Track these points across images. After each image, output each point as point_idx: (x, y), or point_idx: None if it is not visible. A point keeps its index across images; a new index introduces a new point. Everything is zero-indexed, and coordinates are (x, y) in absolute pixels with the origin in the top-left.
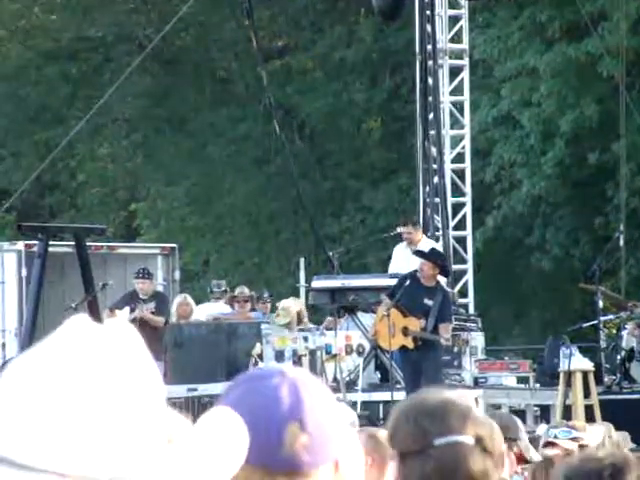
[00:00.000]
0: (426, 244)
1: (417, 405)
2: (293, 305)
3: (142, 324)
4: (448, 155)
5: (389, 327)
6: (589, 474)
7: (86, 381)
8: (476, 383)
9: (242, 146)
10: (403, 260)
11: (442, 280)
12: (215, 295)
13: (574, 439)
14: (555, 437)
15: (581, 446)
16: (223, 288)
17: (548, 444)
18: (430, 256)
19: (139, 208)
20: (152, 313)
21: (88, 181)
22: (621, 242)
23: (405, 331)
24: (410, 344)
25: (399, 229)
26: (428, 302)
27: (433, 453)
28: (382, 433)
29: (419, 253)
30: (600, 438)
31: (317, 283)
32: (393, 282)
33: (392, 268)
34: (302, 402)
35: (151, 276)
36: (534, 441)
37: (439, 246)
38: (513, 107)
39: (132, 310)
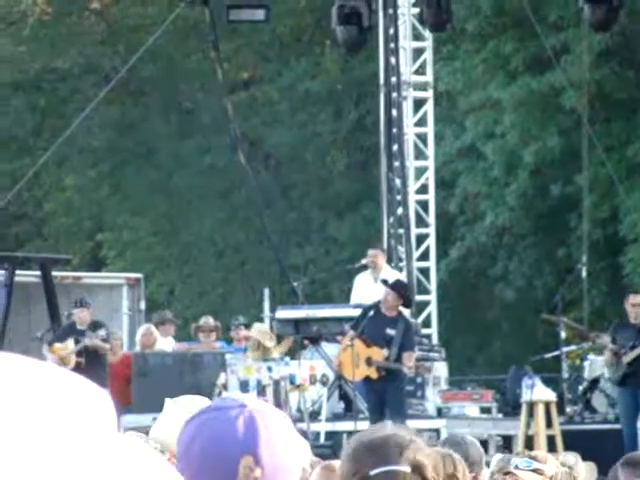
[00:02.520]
0: (390, 273)
1: (360, 439)
2: (256, 334)
3: (88, 353)
4: (412, 186)
5: (353, 358)
6: None
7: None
8: (439, 413)
9: (208, 177)
10: (365, 288)
11: (404, 311)
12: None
13: (535, 470)
14: (516, 467)
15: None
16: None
17: (507, 474)
18: (395, 286)
19: (105, 238)
20: (103, 340)
21: (55, 211)
22: (583, 273)
23: (369, 361)
24: (374, 374)
25: (368, 253)
26: (391, 332)
27: None
28: (337, 464)
29: (385, 282)
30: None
31: (281, 313)
32: (357, 312)
33: (354, 297)
34: (258, 436)
35: (88, 305)
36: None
37: (403, 277)
38: (477, 139)
39: (77, 341)
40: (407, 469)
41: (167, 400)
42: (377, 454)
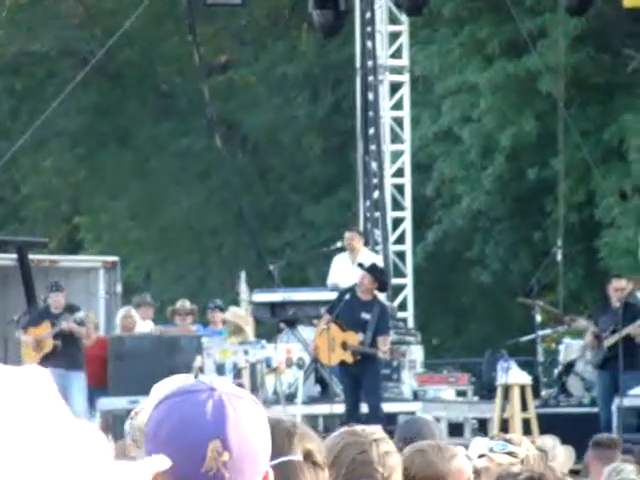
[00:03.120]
0: (368, 256)
1: None
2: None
3: (65, 337)
4: (388, 170)
5: (329, 342)
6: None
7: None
8: (415, 396)
9: (185, 160)
10: (342, 270)
11: (380, 295)
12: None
13: (509, 453)
14: (490, 450)
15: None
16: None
17: (482, 456)
18: (371, 270)
19: (82, 222)
20: (79, 323)
21: (32, 194)
22: (559, 257)
23: (344, 345)
24: (349, 358)
25: (345, 235)
26: (366, 316)
27: None
28: None
29: (361, 266)
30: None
31: (258, 297)
32: (333, 295)
33: (331, 278)
34: (226, 419)
35: (62, 289)
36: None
37: (380, 259)
38: (454, 123)
39: (53, 324)
40: (299, 457)
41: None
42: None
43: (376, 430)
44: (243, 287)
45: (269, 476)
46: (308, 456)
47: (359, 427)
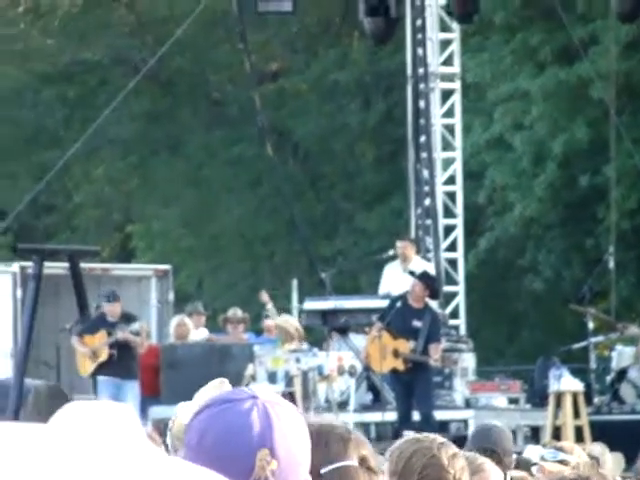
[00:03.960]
0: (419, 264)
1: None
2: (284, 324)
3: (120, 346)
4: (440, 177)
5: (380, 349)
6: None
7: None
8: (467, 404)
9: (236, 168)
10: (394, 279)
11: (432, 303)
12: None
13: (561, 461)
14: (542, 458)
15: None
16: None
17: (534, 465)
18: (422, 278)
19: (134, 230)
20: (135, 334)
21: (84, 203)
22: (611, 264)
23: (396, 353)
24: (401, 366)
25: (397, 244)
26: (417, 323)
27: None
28: None
29: (412, 273)
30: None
31: (309, 304)
32: (384, 303)
33: (383, 287)
34: (272, 428)
35: (119, 299)
36: (521, 462)
37: (432, 267)
38: (505, 130)
39: (109, 333)
40: (355, 463)
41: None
42: (325, 450)
43: (436, 435)
44: (295, 295)
45: None
46: (363, 461)
47: (418, 434)
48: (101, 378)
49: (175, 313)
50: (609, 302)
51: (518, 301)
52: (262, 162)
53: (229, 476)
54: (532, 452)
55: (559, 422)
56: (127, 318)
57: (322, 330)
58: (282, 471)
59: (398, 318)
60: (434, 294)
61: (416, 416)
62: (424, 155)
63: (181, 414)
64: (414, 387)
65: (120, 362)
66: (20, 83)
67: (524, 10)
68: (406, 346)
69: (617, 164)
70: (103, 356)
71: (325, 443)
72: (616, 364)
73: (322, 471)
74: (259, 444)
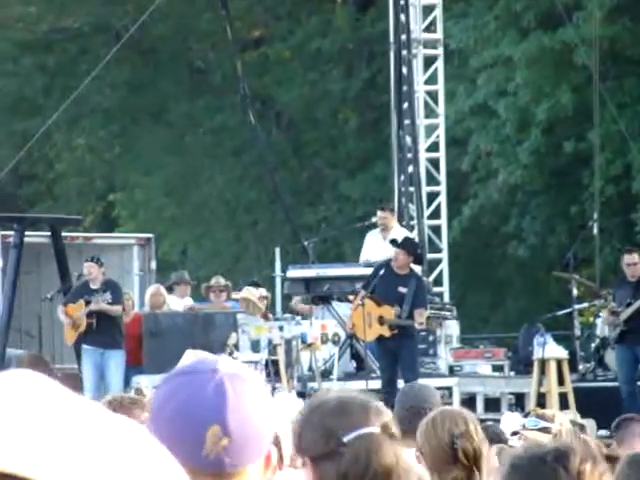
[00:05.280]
0: (400, 232)
1: (318, 408)
2: (249, 296)
3: (99, 315)
4: (423, 144)
5: (364, 317)
6: (532, 459)
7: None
8: (451, 371)
9: (219, 136)
10: (375, 247)
11: (416, 268)
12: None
13: (542, 429)
14: (523, 427)
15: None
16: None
17: (515, 433)
18: (404, 245)
19: (117, 198)
20: (109, 304)
21: (66, 171)
22: (595, 230)
23: (381, 320)
24: (387, 332)
25: (377, 214)
26: (402, 290)
27: (345, 450)
28: None
29: (394, 242)
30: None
31: (292, 273)
32: (368, 271)
33: (364, 255)
34: (226, 404)
35: (100, 262)
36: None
37: (413, 235)
38: (489, 96)
39: (87, 303)
40: (377, 430)
41: (187, 351)
42: (346, 419)
43: None
44: (278, 264)
45: (272, 455)
46: (385, 428)
47: None
48: (85, 347)
49: (158, 282)
50: (594, 269)
51: (502, 268)
52: (245, 130)
53: (183, 450)
54: (510, 419)
55: (543, 389)
56: (106, 286)
57: (305, 298)
58: (235, 448)
59: (383, 285)
60: (418, 259)
61: (401, 384)
62: (407, 122)
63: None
64: (399, 354)
65: (103, 331)
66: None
67: None
68: (391, 312)
69: (601, 130)
70: (82, 326)
71: (346, 412)
72: (600, 331)
73: (345, 439)
74: (211, 420)
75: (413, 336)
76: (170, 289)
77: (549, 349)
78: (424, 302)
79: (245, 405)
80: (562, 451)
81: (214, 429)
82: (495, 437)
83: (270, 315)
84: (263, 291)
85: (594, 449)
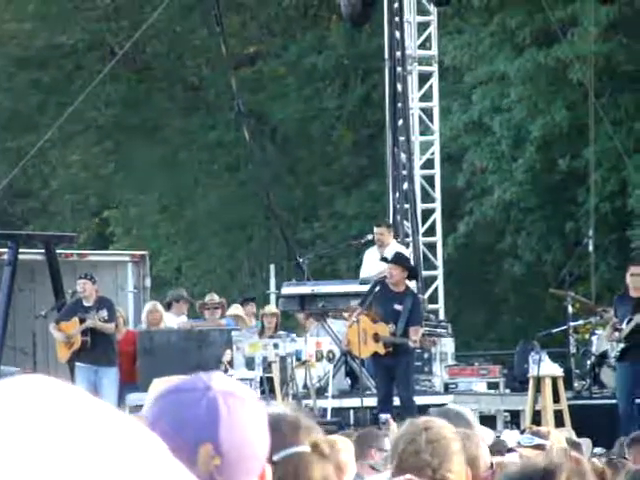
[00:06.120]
0: (396, 249)
1: None
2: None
3: (94, 333)
4: (418, 161)
5: (359, 334)
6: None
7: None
8: (446, 389)
9: (214, 153)
10: (373, 263)
11: (411, 285)
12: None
13: (536, 446)
14: (518, 444)
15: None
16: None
17: (510, 450)
18: (396, 260)
19: (111, 215)
20: (104, 321)
21: (60, 188)
22: (590, 247)
23: (376, 337)
24: (381, 350)
25: (374, 230)
26: (398, 307)
27: (274, 469)
28: None
29: (385, 260)
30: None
31: (287, 289)
32: (363, 288)
33: (363, 272)
34: (218, 422)
35: (93, 279)
36: (498, 446)
37: (408, 252)
38: (484, 113)
39: (82, 320)
40: (307, 449)
41: (154, 380)
42: (276, 437)
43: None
44: (272, 280)
45: (266, 473)
46: (315, 447)
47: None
48: (79, 365)
49: (152, 299)
50: (589, 285)
51: (497, 285)
52: (240, 147)
53: None
54: (509, 437)
55: (539, 407)
56: (100, 303)
57: (299, 315)
58: (227, 466)
59: (379, 302)
60: (412, 273)
61: (396, 401)
62: (402, 139)
63: (152, 393)
64: (395, 372)
65: (97, 349)
66: None
67: None
68: (386, 330)
69: (597, 147)
70: (77, 344)
71: (276, 430)
72: (596, 348)
73: (274, 458)
74: (203, 439)
75: (409, 353)
76: (168, 306)
77: (544, 366)
78: (419, 320)
79: (238, 423)
80: (549, 470)
81: (206, 448)
82: (502, 449)
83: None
84: (273, 307)
85: (585, 467)
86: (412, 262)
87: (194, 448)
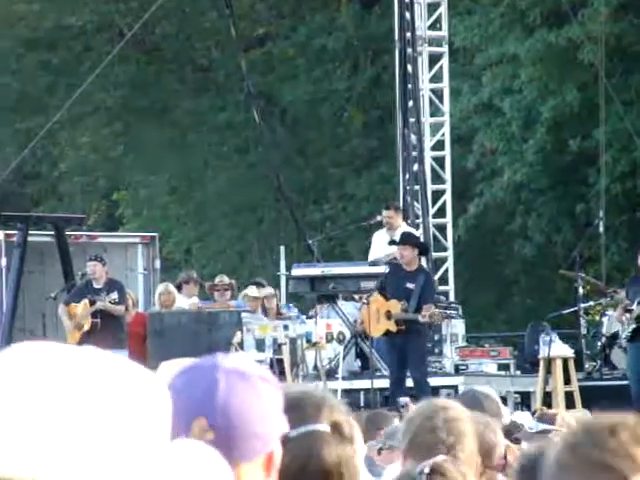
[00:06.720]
0: (404, 231)
1: None
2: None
3: (104, 315)
4: (428, 143)
5: (371, 313)
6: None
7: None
8: (457, 370)
9: (223, 134)
10: (382, 246)
11: (424, 262)
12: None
13: (541, 432)
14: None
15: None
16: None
17: (516, 440)
18: (404, 240)
19: (121, 197)
20: (115, 303)
21: (69, 170)
22: (601, 228)
23: (388, 315)
24: (393, 327)
25: (382, 213)
26: (410, 286)
27: (289, 446)
28: None
29: (394, 242)
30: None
31: (297, 271)
32: (373, 270)
33: (372, 254)
34: (215, 398)
35: (103, 261)
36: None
37: (418, 233)
38: (494, 94)
39: (92, 302)
40: (326, 428)
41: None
42: (297, 414)
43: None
44: (282, 262)
45: (274, 455)
46: (336, 427)
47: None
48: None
49: (162, 281)
50: (600, 267)
51: (508, 267)
52: (249, 128)
53: (173, 437)
54: (521, 418)
55: (549, 388)
56: (110, 286)
57: (310, 297)
58: (221, 442)
59: (392, 282)
60: (423, 250)
61: (409, 383)
62: (412, 120)
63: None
64: (407, 351)
65: (107, 331)
66: (3, 49)
67: None
68: (398, 307)
69: (607, 128)
70: (86, 326)
71: (298, 407)
72: (607, 329)
73: (291, 435)
74: (197, 411)
75: (421, 333)
76: (178, 287)
77: (555, 348)
78: (431, 298)
79: (238, 402)
80: (614, 425)
81: (200, 421)
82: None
83: (283, 311)
84: (269, 289)
85: None
86: (419, 239)
87: (189, 419)
